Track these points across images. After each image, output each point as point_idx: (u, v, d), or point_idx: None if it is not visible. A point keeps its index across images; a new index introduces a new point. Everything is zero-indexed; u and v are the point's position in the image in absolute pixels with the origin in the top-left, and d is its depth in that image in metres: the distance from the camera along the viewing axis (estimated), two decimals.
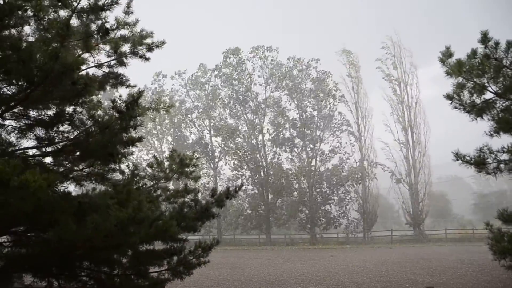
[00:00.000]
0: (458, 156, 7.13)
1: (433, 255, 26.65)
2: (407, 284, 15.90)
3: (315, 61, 47.86)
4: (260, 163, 46.10)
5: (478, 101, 7.29)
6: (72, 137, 6.50)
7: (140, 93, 5.93)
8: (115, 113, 5.90)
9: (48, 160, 6.94)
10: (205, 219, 7.40)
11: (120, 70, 7.13)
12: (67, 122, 6.36)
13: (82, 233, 4.56)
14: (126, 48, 6.82)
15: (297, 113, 46.95)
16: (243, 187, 45.47)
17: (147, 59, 7.06)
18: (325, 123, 46.02)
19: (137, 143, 6.87)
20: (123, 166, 7.72)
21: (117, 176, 7.64)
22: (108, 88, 7.36)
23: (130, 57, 6.89)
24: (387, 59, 45.88)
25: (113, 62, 6.90)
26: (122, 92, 6.46)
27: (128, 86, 7.24)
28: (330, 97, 46.29)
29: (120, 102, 5.77)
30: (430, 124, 45.04)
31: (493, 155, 6.82)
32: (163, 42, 7.15)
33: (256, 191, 46.28)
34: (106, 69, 7.01)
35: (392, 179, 44.57)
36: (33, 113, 6.39)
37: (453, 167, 7.62)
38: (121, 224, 4.55)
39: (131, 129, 6.24)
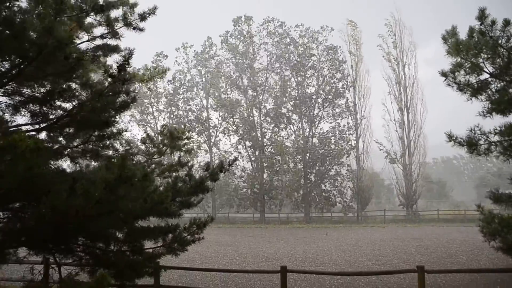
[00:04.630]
0: (450, 137, 7.19)
1: (425, 235, 27.04)
2: (398, 263, 16.19)
3: (329, 30, 46.73)
4: (257, 141, 46.06)
5: (473, 80, 7.29)
6: (66, 109, 6.46)
7: (131, 53, 5.80)
8: (108, 79, 5.83)
9: (42, 136, 6.93)
10: (200, 193, 7.43)
11: (113, 42, 6.91)
12: (61, 98, 6.31)
13: (74, 201, 4.57)
14: (118, 18, 6.55)
15: (297, 90, 46.57)
16: (240, 165, 45.79)
17: (141, 29, 6.77)
18: (327, 101, 45.89)
19: (132, 104, 6.72)
20: (117, 144, 7.71)
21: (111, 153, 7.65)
22: (101, 57, 7.14)
23: (122, 27, 6.64)
24: (388, 36, 45.64)
25: (106, 34, 6.69)
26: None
27: (121, 51, 6.99)
28: (336, 74, 46.01)
29: (113, 68, 5.68)
30: (428, 105, 45.15)
31: (484, 137, 6.87)
32: (155, 8, 6.71)
33: (252, 168, 46.40)
34: (99, 42, 6.84)
35: (387, 159, 44.83)
36: (26, 90, 6.34)
37: (451, 148, 7.75)
38: (110, 186, 4.56)
39: (124, 94, 6.19)
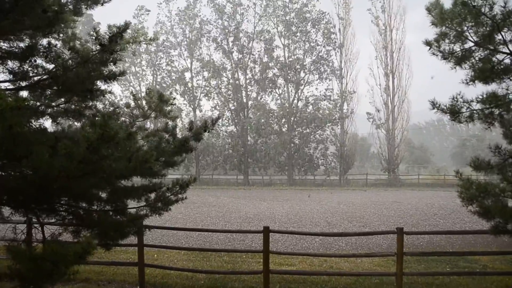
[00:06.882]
0: (434, 104, 7.31)
1: (405, 199, 27.74)
2: (378, 225, 16.64)
3: None
4: (242, 103, 45.81)
5: (457, 49, 7.37)
6: (48, 70, 6.24)
7: (127, 25, 5.59)
8: (96, 46, 5.62)
9: (23, 95, 6.72)
10: (184, 153, 7.39)
11: None
12: (42, 56, 6.08)
13: (56, 162, 4.50)
14: None
15: (285, 53, 46.09)
16: (223, 129, 45.71)
17: None
18: (315, 66, 45.54)
19: (118, 77, 6.58)
20: (100, 105, 7.54)
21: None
22: (83, 10, 6.82)
23: None
24: (377, 0, 45.01)
25: None
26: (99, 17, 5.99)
27: (104, 3, 6.69)
28: (325, 39, 45.53)
29: (104, 34, 5.46)
30: (414, 70, 45.12)
31: (467, 104, 7.02)
32: None
33: (236, 131, 46.34)
34: None
35: (372, 124, 45.19)
36: (4, 45, 6.08)
37: (435, 114, 7.97)
38: (92, 145, 4.49)
39: (111, 63, 6.00)
